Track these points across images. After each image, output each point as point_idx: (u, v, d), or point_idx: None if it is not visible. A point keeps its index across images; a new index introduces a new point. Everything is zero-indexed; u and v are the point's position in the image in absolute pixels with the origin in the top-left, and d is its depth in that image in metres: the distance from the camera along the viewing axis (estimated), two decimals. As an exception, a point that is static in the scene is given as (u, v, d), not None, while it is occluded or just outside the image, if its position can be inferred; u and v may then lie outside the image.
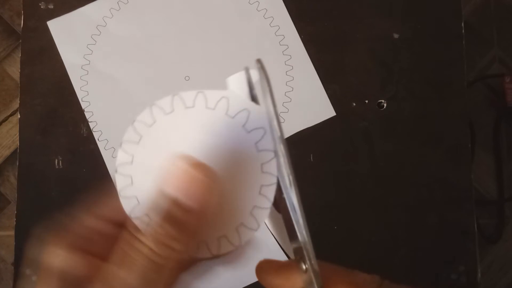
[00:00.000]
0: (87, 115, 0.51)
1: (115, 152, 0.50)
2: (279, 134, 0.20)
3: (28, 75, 0.51)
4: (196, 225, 0.20)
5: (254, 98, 0.22)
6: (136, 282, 0.18)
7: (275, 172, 0.22)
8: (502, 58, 1.12)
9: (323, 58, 0.51)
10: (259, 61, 0.21)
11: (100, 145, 0.50)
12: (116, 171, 0.22)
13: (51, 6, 0.52)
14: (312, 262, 0.20)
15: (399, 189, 0.50)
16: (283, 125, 0.50)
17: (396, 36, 0.52)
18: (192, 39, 0.52)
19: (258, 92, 0.22)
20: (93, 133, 0.50)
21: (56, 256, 0.20)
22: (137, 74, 0.52)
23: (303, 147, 0.50)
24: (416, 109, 0.51)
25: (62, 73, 0.51)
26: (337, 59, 0.52)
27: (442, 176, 0.50)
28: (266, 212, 0.22)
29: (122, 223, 0.22)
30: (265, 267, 0.23)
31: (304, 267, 0.20)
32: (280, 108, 0.51)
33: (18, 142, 0.51)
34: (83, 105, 0.51)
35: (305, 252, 0.20)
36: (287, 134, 0.50)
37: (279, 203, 0.22)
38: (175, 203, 0.19)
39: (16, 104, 1.02)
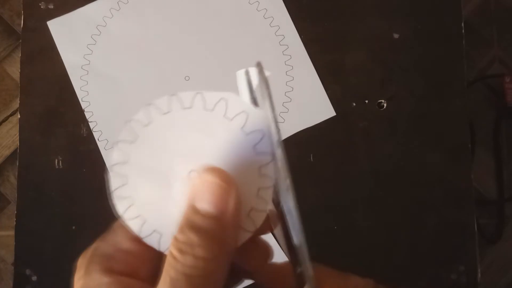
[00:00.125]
0: (87, 115, 0.51)
1: (115, 152, 0.50)
2: (277, 138, 0.20)
3: (28, 75, 0.51)
4: (217, 230, 0.19)
5: (254, 101, 0.22)
6: None
7: (273, 174, 0.21)
8: (502, 58, 1.12)
9: (323, 58, 0.51)
10: (259, 65, 0.21)
11: (100, 145, 0.50)
12: (110, 170, 0.22)
13: (51, 6, 0.52)
14: (307, 266, 0.20)
15: (399, 189, 0.50)
16: (283, 125, 0.50)
17: (396, 36, 0.52)
18: (192, 39, 0.52)
19: (258, 94, 0.22)
20: (93, 133, 0.50)
21: (91, 280, 0.20)
22: (137, 74, 0.52)
23: (303, 147, 0.50)
24: (416, 109, 0.51)
25: (62, 73, 0.51)
26: (337, 59, 0.52)
27: (442, 176, 0.50)
28: (263, 215, 0.22)
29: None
30: (260, 270, 0.23)
31: (298, 270, 0.20)
32: (280, 108, 0.51)
33: (18, 142, 0.51)
34: (83, 105, 0.51)
35: (299, 256, 0.20)
36: (287, 134, 0.50)
37: (275, 206, 0.22)
38: (194, 210, 0.19)
39: (16, 104, 1.02)
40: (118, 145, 0.22)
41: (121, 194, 0.21)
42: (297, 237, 0.20)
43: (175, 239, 0.19)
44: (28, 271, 0.48)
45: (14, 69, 1.13)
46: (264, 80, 0.21)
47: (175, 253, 0.19)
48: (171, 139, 0.22)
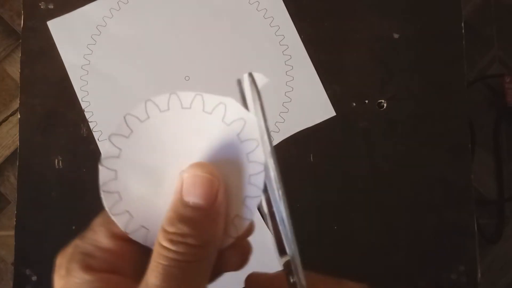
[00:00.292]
0: (87, 115, 0.51)
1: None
2: (269, 149, 0.20)
3: (28, 75, 0.51)
4: (206, 220, 0.20)
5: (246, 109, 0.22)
6: (164, 284, 0.19)
7: (261, 185, 0.22)
8: (502, 58, 1.12)
9: (323, 58, 0.51)
10: (250, 75, 0.21)
11: (100, 145, 0.50)
12: (100, 163, 0.21)
13: (51, 6, 0.52)
14: (300, 276, 0.20)
15: (399, 189, 0.50)
16: (283, 125, 0.50)
17: (396, 36, 0.52)
18: (192, 39, 0.52)
19: (251, 104, 0.22)
20: (93, 133, 0.50)
21: (73, 279, 0.20)
22: (137, 74, 0.52)
23: (303, 147, 0.50)
24: (416, 109, 0.51)
25: (62, 73, 0.51)
26: (337, 59, 0.52)
27: (442, 176, 0.50)
28: (247, 223, 0.22)
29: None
30: (254, 279, 0.23)
31: (291, 280, 0.20)
32: (280, 108, 0.51)
33: (18, 142, 0.51)
34: (83, 105, 0.51)
35: (292, 266, 0.20)
36: (287, 134, 0.50)
37: (267, 218, 0.22)
38: (183, 203, 0.20)
39: (16, 104, 1.02)
40: (111, 138, 0.21)
41: (109, 188, 0.21)
42: (290, 246, 0.20)
43: (165, 231, 0.20)
44: (28, 271, 0.48)
45: (14, 69, 1.13)
46: (255, 90, 0.21)
47: (166, 244, 0.19)
48: (166, 137, 0.22)
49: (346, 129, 0.51)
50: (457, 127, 0.51)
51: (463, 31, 0.52)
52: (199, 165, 0.21)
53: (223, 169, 0.21)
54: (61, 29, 0.52)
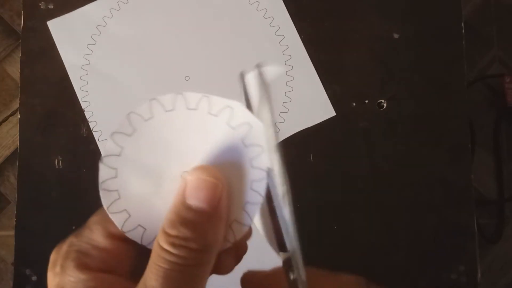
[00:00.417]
0: (87, 115, 0.51)
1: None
2: (274, 143, 0.20)
3: (28, 75, 0.51)
4: (208, 225, 0.20)
5: (248, 105, 0.22)
6: (164, 287, 0.19)
7: (263, 192, 0.21)
8: (502, 58, 1.12)
9: (323, 58, 0.51)
10: (259, 66, 0.21)
11: (100, 145, 0.50)
12: (101, 161, 0.21)
13: (51, 6, 0.52)
14: (301, 273, 0.20)
15: (399, 189, 0.50)
16: (283, 125, 0.50)
17: (396, 36, 0.52)
18: (192, 39, 0.52)
19: (255, 97, 0.22)
20: (93, 133, 0.50)
21: (67, 277, 0.20)
22: (137, 74, 0.52)
23: (303, 147, 0.50)
24: (416, 109, 0.51)
25: (62, 73, 0.51)
26: (337, 59, 0.52)
27: (442, 176, 0.50)
28: (245, 229, 0.22)
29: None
30: (249, 278, 0.23)
31: (291, 276, 0.20)
32: (280, 108, 0.51)
33: (18, 142, 0.51)
34: (83, 105, 0.51)
35: (293, 262, 0.20)
36: (287, 134, 0.50)
37: (266, 213, 0.22)
38: (185, 206, 0.20)
39: (16, 104, 1.02)
40: (113, 136, 0.21)
41: (108, 187, 0.21)
42: (291, 243, 0.20)
43: (166, 234, 0.19)
44: (28, 271, 0.48)
45: (14, 69, 1.13)
46: (264, 83, 0.20)
47: (167, 247, 0.19)
48: (169, 137, 0.21)
49: (346, 129, 0.51)
50: (457, 127, 0.51)
51: (463, 31, 0.52)
52: (203, 168, 0.21)
53: (225, 173, 0.21)
54: (61, 29, 0.52)
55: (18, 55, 1.11)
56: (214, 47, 0.52)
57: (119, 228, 0.21)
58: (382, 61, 0.52)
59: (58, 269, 0.21)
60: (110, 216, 0.21)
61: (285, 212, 0.20)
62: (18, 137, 0.51)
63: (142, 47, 0.52)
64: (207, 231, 0.20)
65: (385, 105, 0.51)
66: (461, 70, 0.51)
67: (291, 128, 0.50)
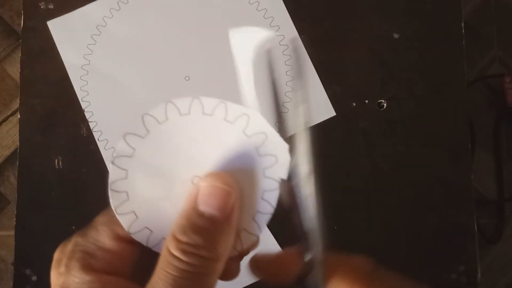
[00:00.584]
0: (87, 115, 0.51)
1: (115, 152, 0.50)
2: (304, 120, 0.20)
3: (28, 75, 0.51)
4: (220, 232, 0.20)
5: (274, 82, 0.22)
6: None
7: (274, 203, 0.21)
8: (502, 58, 1.12)
9: (323, 58, 0.51)
10: (295, 41, 0.21)
11: (100, 145, 0.50)
12: (112, 162, 0.21)
13: (51, 6, 0.52)
14: (318, 251, 0.20)
15: (399, 189, 0.50)
16: (283, 125, 0.50)
17: (396, 36, 0.52)
18: (192, 39, 0.52)
19: (278, 75, 0.21)
20: (93, 133, 0.50)
21: (72, 278, 0.20)
22: (137, 74, 0.52)
23: (303, 147, 0.50)
24: (416, 109, 0.51)
25: (62, 73, 0.51)
26: (337, 59, 0.52)
27: (442, 176, 0.50)
28: (253, 238, 0.21)
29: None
30: (258, 259, 0.23)
31: (307, 257, 0.20)
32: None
33: (18, 142, 0.51)
34: (83, 105, 0.51)
35: (311, 242, 0.20)
36: (287, 134, 0.50)
37: (285, 198, 0.22)
38: (197, 212, 0.20)
39: (16, 104, 1.02)
40: (126, 137, 0.21)
41: (118, 188, 0.21)
42: (311, 222, 0.20)
43: (177, 240, 0.19)
44: (28, 271, 0.48)
45: (14, 69, 1.13)
46: (300, 56, 0.20)
47: (177, 253, 0.19)
48: (183, 141, 0.21)
49: (346, 129, 0.51)
50: (457, 127, 0.51)
51: (463, 31, 0.52)
52: (217, 175, 0.20)
53: (237, 180, 0.21)
54: (61, 29, 0.52)
55: (18, 55, 1.11)
56: (214, 47, 0.52)
57: (126, 230, 0.21)
58: (382, 61, 0.52)
59: (62, 269, 0.20)
60: (118, 217, 0.21)
61: (309, 191, 0.20)
62: (18, 137, 0.51)
63: (142, 47, 0.52)
64: (218, 240, 0.19)
65: (385, 105, 0.51)
66: (461, 70, 0.51)
67: (291, 128, 0.50)
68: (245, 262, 0.23)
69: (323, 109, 0.51)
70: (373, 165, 0.50)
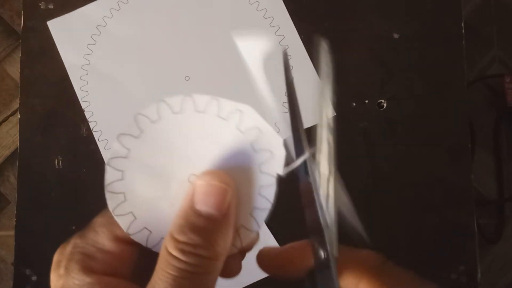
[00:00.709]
0: (87, 115, 0.51)
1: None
2: (331, 115, 0.20)
3: (28, 75, 0.51)
4: (218, 231, 0.20)
5: (290, 81, 0.22)
6: None
7: (272, 198, 0.21)
8: (502, 58, 1.12)
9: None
10: (323, 44, 0.21)
11: (100, 145, 0.50)
12: (107, 163, 0.21)
13: (51, 6, 0.52)
14: (333, 246, 0.20)
15: (399, 189, 0.50)
16: (282, 125, 0.50)
17: (396, 36, 0.52)
18: (192, 39, 0.52)
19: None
20: (93, 133, 0.50)
21: (72, 280, 0.20)
22: (137, 74, 0.52)
23: (303, 147, 0.50)
24: (416, 109, 0.51)
25: (62, 73, 0.51)
26: (337, 59, 0.51)
27: (442, 176, 0.50)
28: (252, 235, 0.21)
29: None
30: (266, 253, 0.23)
31: (321, 252, 0.20)
32: (280, 108, 0.51)
33: (18, 142, 0.51)
34: (83, 105, 0.51)
35: (327, 237, 0.20)
36: (286, 135, 0.50)
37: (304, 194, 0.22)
38: (195, 211, 0.20)
39: (16, 104, 1.02)
40: (120, 138, 0.21)
41: (115, 189, 0.21)
42: (329, 218, 0.20)
43: (175, 240, 0.19)
44: (28, 271, 0.48)
45: (14, 69, 1.13)
46: (328, 60, 0.20)
47: (176, 253, 0.19)
48: (177, 140, 0.21)
49: (346, 129, 0.51)
50: (457, 127, 0.51)
51: (463, 31, 0.52)
52: (213, 173, 0.20)
53: (233, 177, 0.21)
54: (61, 29, 0.52)
55: (18, 55, 1.11)
56: (214, 47, 0.52)
57: (125, 231, 0.21)
58: (382, 61, 0.52)
59: (62, 271, 0.20)
60: (116, 218, 0.21)
61: (331, 189, 0.20)
62: (18, 137, 0.51)
63: (142, 47, 0.52)
64: (217, 238, 0.19)
65: (385, 105, 0.51)
66: (461, 70, 0.51)
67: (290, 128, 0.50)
68: (246, 260, 0.23)
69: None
70: (373, 165, 0.50)
